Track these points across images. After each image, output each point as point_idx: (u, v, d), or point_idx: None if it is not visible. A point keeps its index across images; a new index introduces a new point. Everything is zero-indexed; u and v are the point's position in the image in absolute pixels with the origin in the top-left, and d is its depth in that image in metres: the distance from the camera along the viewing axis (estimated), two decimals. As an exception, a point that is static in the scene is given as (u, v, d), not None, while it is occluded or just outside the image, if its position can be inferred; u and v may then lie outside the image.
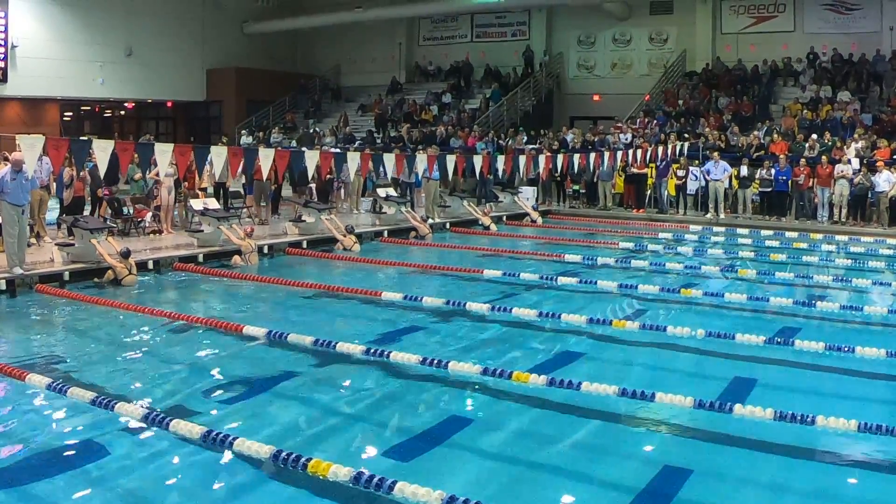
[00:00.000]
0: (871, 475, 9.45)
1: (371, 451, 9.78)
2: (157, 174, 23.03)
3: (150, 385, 11.88)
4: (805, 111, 36.43)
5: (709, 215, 31.95)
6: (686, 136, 35.86)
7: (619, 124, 39.16)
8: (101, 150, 16.52)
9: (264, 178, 25.14)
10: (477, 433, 10.51)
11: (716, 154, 32.33)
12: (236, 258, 21.13)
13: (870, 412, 10.56)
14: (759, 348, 13.85)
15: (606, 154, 31.38)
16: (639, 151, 32.28)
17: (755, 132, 35.42)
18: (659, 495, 8.86)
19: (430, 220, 28.50)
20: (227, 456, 9.13)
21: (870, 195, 29.75)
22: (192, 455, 9.37)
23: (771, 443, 10.00)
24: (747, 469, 9.51)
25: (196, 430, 9.34)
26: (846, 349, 13.38)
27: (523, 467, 9.52)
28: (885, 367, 12.91)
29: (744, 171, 31.93)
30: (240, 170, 20.19)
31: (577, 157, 30.15)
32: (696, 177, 32.67)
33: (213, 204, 24.00)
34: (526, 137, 39.21)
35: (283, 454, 8.59)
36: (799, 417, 10.05)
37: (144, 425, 9.87)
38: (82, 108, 51.53)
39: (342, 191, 31.80)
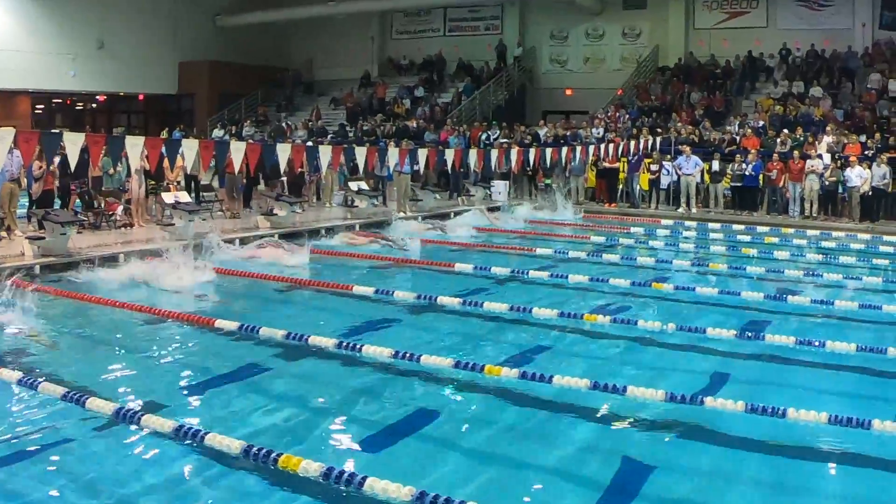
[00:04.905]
0: (841, 467, 9.51)
1: (342, 446, 9.75)
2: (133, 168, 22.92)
3: (121, 380, 11.80)
4: (777, 106, 36.53)
5: (681, 210, 32.02)
6: (658, 130, 35.88)
7: (598, 116, 39.19)
8: (72, 143, 16.44)
9: (236, 171, 25.02)
10: (448, 427, 10.51)
11: (687, 149, 32.40)
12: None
13: (840, 405, 10.60)
14: (730, 342, 13.88)
15: (578, 148, 31.40)
16: (611, 146, 32.31)
17: (727, 127, 35.54)
18: (629, 488, 8.88)
19: (402, 214, 28.46)
20: (199, 450, 9.07)
21: (841, 190, 29.86)
22: (164, 450, 9.30)
23: (742, 436, 10.01)
24: (719, 462, 9.53)
25: (168, 425, 9.30)
26: (817, 343, 13.43)
27: (494, 461, 9.51)
28: (856, 360, 12.97)
29: (715, 165, 31.97)
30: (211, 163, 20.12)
31: (548, 151, 30.14)
32: (668, 171, 32.72)
33: (185, 197, 23.88)
34: (498, 132, 39.12)
35: (254, 449, 8.55)
36: (770, 410, 10.08)
37: (116, 420, 9.78)
38: (54, 100, 51.04)
39: (315, 185, 31.70)
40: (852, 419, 9.82)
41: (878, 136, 31.74)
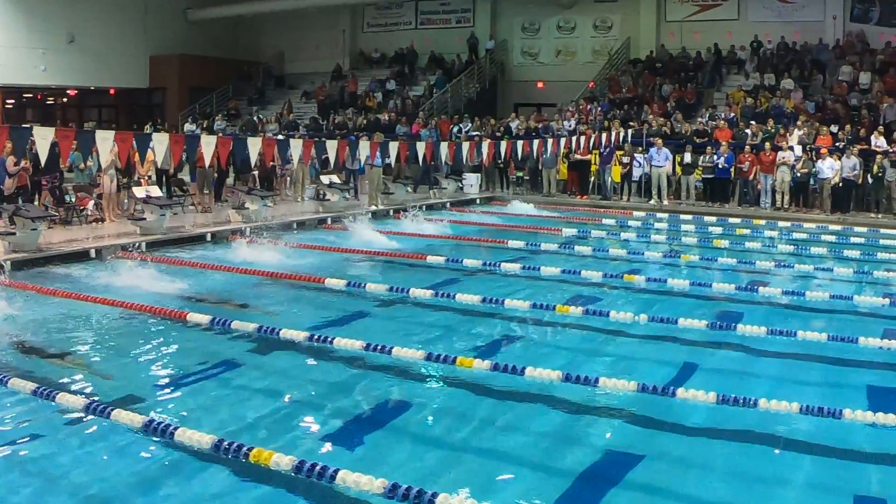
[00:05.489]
0: (812, 457, 9.53)
1: (314, 439, 9.72)
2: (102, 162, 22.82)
3: (91, 374, 11.73)
4: (748, 99, 36.62)
5: (652, 202, 32.04)
6: (630, 123, 35.93)
7: (570, 109, 39.21)
8: (42, 138, 16.35)
9: (206, 165, 24.94)
10: (421, 419, 10.52)
11: (659, 140, 32.44)
12: None
13: (811, 395, 10.65)
14: (701, 333, 13.95)
15: (550, 141, 31.40)
16: (582, 138, 32.32)
17: (699, 119, 35.62)
18: (602, 479, 8.89)
19: (374, 207, 28.43)
20: (169, 445, 9.03)
21: (813, 182, 29.96)
22: (134, 444, 9.23)
23: (714, 426, 10.05)
24: (690, 452, 9.56)
25: (137, 420, 9.29)
26: (788, 333, 13.47)
27: (467, 453, 9.49)
28: (827, 350, 13.03)
29: (687, 158, 32.04)
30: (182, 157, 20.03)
31: (520, 143, 30.14)
32: (640, 164, 32.77)
33: (156, 192, 23.79)
34: (470, 124, 39.11)
35: (225, 443, 8.55)
36: (742, 400, 10.11)
37: (86, 415, 9.75)
38: (24, 95, 50.85)
39: (287, 178, 31.64)
40: (823, 409, 9.87)
41: (848, 127, 31.83)
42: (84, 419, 9.76)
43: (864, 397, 11.06)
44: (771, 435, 9.82)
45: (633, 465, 9.12)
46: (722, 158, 31.04)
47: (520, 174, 35.79)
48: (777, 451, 9.56)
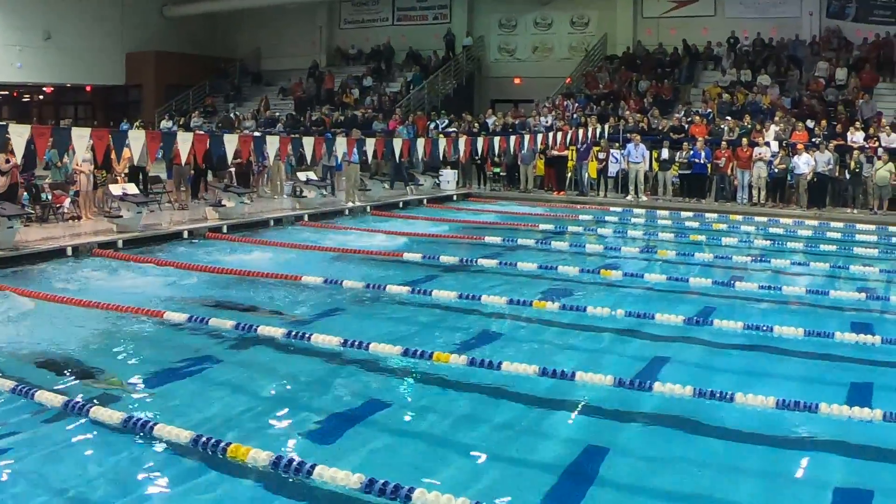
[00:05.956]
0: (788, 451, 9.56)
1: (291, 434, 9.71)
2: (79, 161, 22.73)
3: (70, 372, 11.66)
4: (725, 95, 36.72)
5: (629, 197, 32.08)
6: (607, 119, 35.96)
7: (547, 105, 39.24)
8: (18, 136, 16.29)
9: (183, 162, 24.88)
10: (397, 414, 10.51)
11: (637, 137, 32.49)
12: None
13: (787, 389, 10.67)
14: (678, 328, 13.99)
15: (527, 137, 31.42)
16: (559, 134, 32.35)
17: (675, 115, 35.70)
18: (580, 474, 8.90)
19: (351, 204, 28.42)
20: (148, 442, 9.02)
21: (789, 177, 30.06)
22: (113, 441, 9.21)
23: (690, 420, 10.08)
24: (667, 446, 9.58)
25: (116, 417, 9.28)
26: (764, 328, 13.54)
27: (444, 448, 9.52)
28: (803, 345, 13.08)
29: (664, 153, 32.10)
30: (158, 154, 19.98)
31: (497, 140, 30.14)
32: (616, 159, 32.84)
33: (133, 189, 23.71)
34: (447, 121, 39.11)
35: (203, 439, 8.56)
36: (718, 395, 10.15)
37: (65, 412, 9.72)
38: (0, 92, 50.69)
39: (264, 175, 31.60)
40: (799, 403, 9.91)
41: (824, 123, 31.96)
42: (64, 416, 9.72)
43: (841, 392, 11.10)
44: (747, 429, 9.86)
45: (610, 460, 9.15)
46: (700, 155, 31.11)
47: (497, 170, 35.79)
48: (753, 446, 9.59)
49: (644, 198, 32.11)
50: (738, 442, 9.66)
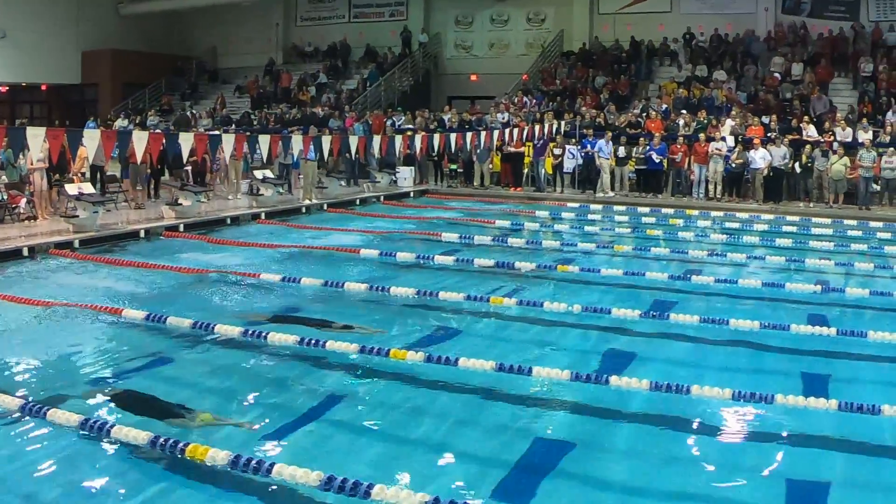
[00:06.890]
0: (745, 442, 9.64)
1: (249, 433, 9.65)
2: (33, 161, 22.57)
3: (26, 374, 11.58)
4: (681, 90, 36.92)
5: (600, 193, 32.09)
6: (564, 114, 36.06)
7: (504, 101, 39.27)
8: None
9: (139, 161, 24.74)
10: (355, 411, 10.47)
11: (608, 133, 32.67)
12: None
13: (743, 381, 10.72)
14: (634, 322, 14.04)
15: (483, 134, 31.45)
16: (515, 130, 32.40)
17: (632, 110, 35.84)
18: (536, 468, 8.90)
19: (308, 202, 28.36)
20: (106, 443, 8.95)
21: (746, 172, 30.22)
22: (70, 443, 9.13)
23: (647, 413, 10.11)
24: (624, 440, 9.61)
25: (73, 419, 9.20)
26: (720, 321, 13.59)
27: (401, 444, 9.49)
28: (759, 337, 13.17)
29: (621, 149, 32.17)
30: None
31: (453, 136, 30.14)
32: (573, 155, 32.91)
33: (89, 188, 23.55)
34: (403, 117, 39.10)
35: (161, 440, 8.50)
36: (674, 387, 10.19)
37: (21, 415, 9.63)
38: (-46, 92, 50.23)
39: (220, 173, 31.48)
40: (755, 394, 9.96)
41: (774, 117, 32.18)
42: (20, 419, 9.62)
43: (795, 382, 11.17)
44: (704, 421, 9.91)
45: (567, 454, 9.16)
46: (656, 150, 31.22)
47: (453, 167, 35.80)
48: (710, 437, 9.66)
49: (613, 193, 32.12)
50: (694, 433, 9.74)
